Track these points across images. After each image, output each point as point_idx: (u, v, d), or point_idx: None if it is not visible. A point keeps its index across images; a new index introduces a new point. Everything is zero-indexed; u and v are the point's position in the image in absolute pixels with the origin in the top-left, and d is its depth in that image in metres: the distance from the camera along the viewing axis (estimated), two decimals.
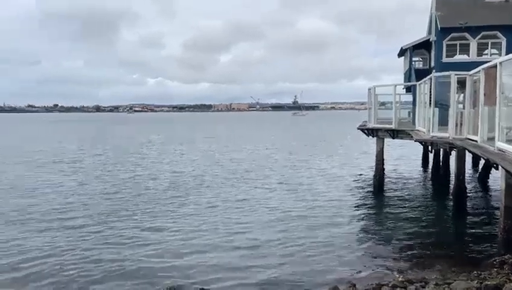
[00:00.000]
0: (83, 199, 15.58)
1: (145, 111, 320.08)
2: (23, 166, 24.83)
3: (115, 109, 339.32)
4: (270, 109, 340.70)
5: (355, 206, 14.50)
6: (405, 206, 14.25)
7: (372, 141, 18.85)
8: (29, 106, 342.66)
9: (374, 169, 17.84)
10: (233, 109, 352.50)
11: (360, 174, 20.80)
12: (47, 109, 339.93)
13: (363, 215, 13.36)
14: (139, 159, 27.99)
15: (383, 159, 17.54)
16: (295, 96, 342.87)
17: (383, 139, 17.33)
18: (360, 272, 8.64)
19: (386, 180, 18.15)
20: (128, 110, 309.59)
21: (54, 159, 27.91)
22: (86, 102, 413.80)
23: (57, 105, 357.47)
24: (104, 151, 34.17)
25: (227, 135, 55.54)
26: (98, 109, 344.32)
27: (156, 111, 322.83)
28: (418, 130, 14.92)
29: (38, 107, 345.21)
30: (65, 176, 21.17)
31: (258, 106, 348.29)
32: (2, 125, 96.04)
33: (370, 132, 17.83)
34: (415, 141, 15.09)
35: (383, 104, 19.14)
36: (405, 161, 25.16)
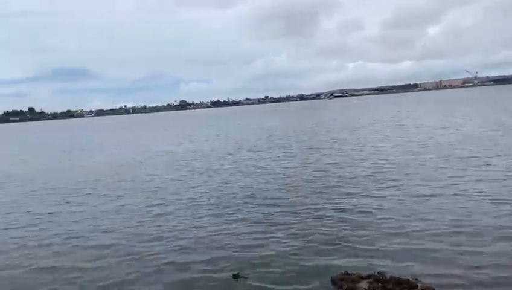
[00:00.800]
0: (293, 182, 17.01)
1: (345, 95, 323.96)
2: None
3: (316, 96, 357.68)
4: (491, 83, 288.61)
5: None
6: None
7: None
8: (247, 99, 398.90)
9: None
10: (444, 86, 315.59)
11: None
12: (260, 101, 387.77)
13: None
14: (341, 144, 28.40)
15: None
16: None
17: None
18: None
19: None
20: (329, 96, 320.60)
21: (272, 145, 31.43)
22: (291, 92, 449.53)
23: (268, 97, 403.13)
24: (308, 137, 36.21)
25: (439, 114, 49.79)
26: (301, 97, 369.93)
27: (355, 95, 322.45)
28: None
29: (253, 99, 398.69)
30: (274, 161, 23.61)
31: (475, 81, 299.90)
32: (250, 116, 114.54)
33: None
34: None
35: None
36: None
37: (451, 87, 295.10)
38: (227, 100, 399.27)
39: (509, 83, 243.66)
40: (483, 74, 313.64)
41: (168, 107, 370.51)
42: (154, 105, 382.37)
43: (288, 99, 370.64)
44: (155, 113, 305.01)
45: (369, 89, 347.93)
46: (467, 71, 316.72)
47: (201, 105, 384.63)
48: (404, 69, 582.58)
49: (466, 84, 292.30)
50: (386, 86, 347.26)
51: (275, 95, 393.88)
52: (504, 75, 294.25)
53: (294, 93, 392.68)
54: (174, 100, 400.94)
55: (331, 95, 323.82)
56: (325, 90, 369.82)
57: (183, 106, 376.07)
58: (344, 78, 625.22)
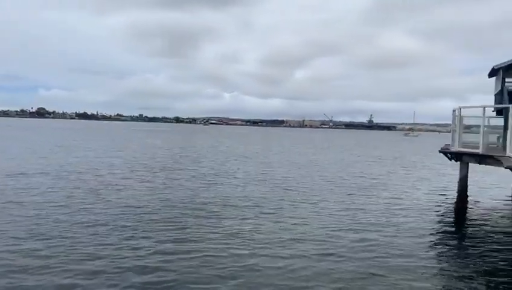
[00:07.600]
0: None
1: (220, 124, 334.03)
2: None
3: (192, 120, 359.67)
4: (343, 127, 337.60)
5: (430, 236, 13.37)
6: (488, 241, 12.89)
7: (455, 166, 17.61)
8: (118, 115, 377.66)
9: (456, 196, 16.65)
10: (306, 125, 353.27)
11: (441, 201, 19.40)
12: (132, 118, 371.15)
13: (439, 248, 12.36)
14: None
15: (467, 186, 16.30)
16: (371, 115, 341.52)
17: (468, 164, 16.10)
18: None
19: (469, 209, 16.82)
20: (205, 122, 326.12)
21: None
22: (167, 113, 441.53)
23: (142, 115, 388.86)
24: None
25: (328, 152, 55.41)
26: (177, 120, 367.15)
27: (230, 124, 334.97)
28: (509, 157, 13.57)
29: (126, 116, 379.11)
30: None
31: (331, 123, 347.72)
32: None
33: (453, 155, 16.68)
34: (505, 168, 13.75)
35: (468, 127, 17.75)
36: (492, 190, 22.88)
37: (311, 126, 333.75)
38: (95, 114, 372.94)
39: (356, 128, 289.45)
40: (337, 118, 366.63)
41: (22, 114, 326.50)
42: (5, 109, 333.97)
43: (163, 120, 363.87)
44: (5, 118, 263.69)
45: (243, 120, 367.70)
46: (325, 114, 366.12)
47: (64, 115, 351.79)
48: (274, 105, 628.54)
49: (323, 126, 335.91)
50: (257, 119, 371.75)
51: (150, 114, 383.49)
52: (353, 121, 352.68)
53: (170, 114, 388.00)
54: (31, 106, 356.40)
55: (207, 121, 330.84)
56: (201, 115, 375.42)
57: (41, 114, 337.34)
58: (221, 106, 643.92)
